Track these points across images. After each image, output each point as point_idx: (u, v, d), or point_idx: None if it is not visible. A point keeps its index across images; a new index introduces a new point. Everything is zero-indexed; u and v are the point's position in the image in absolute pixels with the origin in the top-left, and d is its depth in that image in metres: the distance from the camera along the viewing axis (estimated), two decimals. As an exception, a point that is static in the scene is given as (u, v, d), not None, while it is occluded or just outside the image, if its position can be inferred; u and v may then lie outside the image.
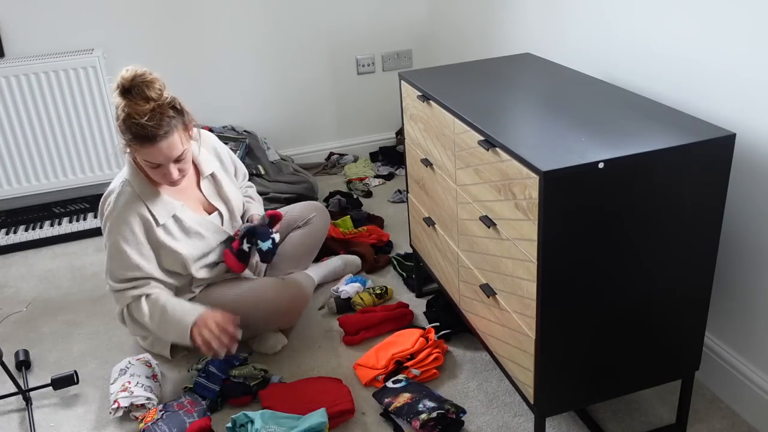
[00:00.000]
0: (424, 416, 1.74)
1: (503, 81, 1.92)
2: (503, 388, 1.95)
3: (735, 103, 1.63)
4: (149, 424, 1.82)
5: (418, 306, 2.34)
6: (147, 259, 1.96)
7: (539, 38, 2.48)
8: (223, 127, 3.26)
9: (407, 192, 2.27)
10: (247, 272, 2.22)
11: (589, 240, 1.40)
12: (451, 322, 2.17)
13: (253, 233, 2.10)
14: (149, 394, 1.93)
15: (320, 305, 2.38)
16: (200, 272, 2.08)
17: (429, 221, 2.06)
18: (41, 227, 3.03)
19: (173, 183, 1.94)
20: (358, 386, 2.00)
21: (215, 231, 2.10)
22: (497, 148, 1.50)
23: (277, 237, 2.14)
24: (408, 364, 2.00)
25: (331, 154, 3.58)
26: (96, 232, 3.02)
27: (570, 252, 1.40)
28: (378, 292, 2.36)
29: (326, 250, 2.58)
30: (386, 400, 1.85)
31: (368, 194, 3.24)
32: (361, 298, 2.33)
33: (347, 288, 2.37)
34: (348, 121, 3.61)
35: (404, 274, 2.52)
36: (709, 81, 1.70)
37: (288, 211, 2.40)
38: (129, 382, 1.95)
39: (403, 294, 2.44)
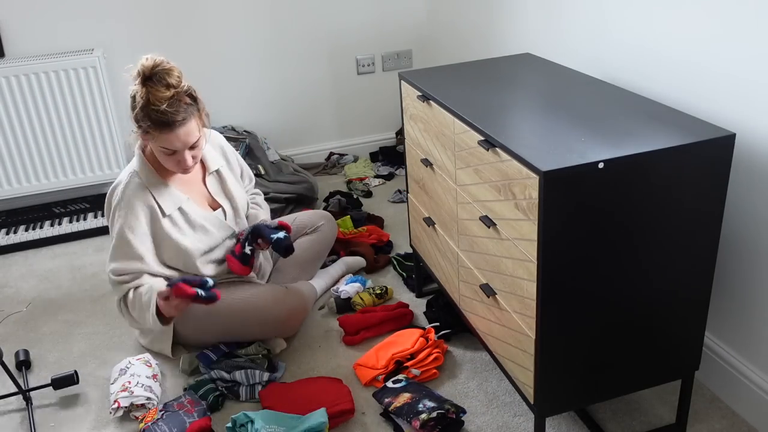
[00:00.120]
0: (424, 416, 1.74)
1: (503, 81, 1.92)
2: (503, 388, 1.95)
3: (735, 104, 1.63)
4: (149, 424, 1.82)
5: (418, 306, 2.34)
6: (148, 251, 1.97)
7: (539, 38, 2.48)
8: (223, 127, 3.25)
9: (407, 192, 2.27)
10: (252, 275, 2.22)
11: (589, 240, 1.40)
12: (451, 322, 2.17)
13: (259, 233, 2.09)
14: (149, 394, 1.93)
15: (320, 305, 2.38)
16: (207, 268, 2.08)
17: (429, 221, 2.06)
18: (41, 227, 3.03)
19: (186, 170, 1.97)
20: (358, 386, 2.00)
21: (220, 226, 2.11)
22: (497, 148, 1.50)
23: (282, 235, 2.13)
24: (408, 364, 2.00)
25: (331, 154, 3.58)
26: (96, 232, 3.01)
27: (570, 252, 1.40)
28: (378, 292, 2.36)
29: (326, 250, 2.58)
30: (386, 400, 1.85)
31: (368, 194, 3.24)
32: (361, 298, 2.33)
33: (347, 288, 2.37)
34: (348, 121, 3.61)
35: (404, 274, 2.52)
36: (709, 81, 1.70)
37: (297, 218, 2.44)
38: (129, 382, 1.95)
39: (403, 294, 2.44)
